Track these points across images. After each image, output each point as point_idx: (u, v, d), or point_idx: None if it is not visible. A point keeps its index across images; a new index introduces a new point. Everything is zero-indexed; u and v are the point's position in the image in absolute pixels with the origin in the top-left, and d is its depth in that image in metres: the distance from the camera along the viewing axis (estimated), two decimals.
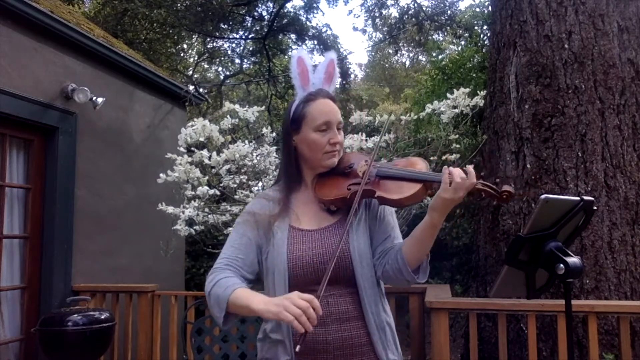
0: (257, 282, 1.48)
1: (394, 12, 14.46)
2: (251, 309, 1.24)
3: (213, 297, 1.33)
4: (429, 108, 3.68)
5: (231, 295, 1.29)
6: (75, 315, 3.38)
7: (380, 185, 1.38)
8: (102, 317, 3.48)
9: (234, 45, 14.04)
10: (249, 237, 1.43)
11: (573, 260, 1.39)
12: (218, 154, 3.44)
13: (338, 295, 1.37)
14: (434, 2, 13.84)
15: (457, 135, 3.70)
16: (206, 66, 16.20)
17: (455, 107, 3.55)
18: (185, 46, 14.99)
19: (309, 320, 1.13)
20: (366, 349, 1.37)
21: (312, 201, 1.47)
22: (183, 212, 3.46)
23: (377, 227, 1.44)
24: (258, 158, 3.61)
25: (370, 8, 14.54)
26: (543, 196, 1.41)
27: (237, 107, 3.66)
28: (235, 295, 1.29)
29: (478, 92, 3.68)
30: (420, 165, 1.41)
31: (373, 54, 22.27)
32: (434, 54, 10.77)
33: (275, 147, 3.67)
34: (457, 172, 1.27)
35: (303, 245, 1.39)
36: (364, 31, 21.71)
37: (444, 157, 3.56)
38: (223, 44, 14.03)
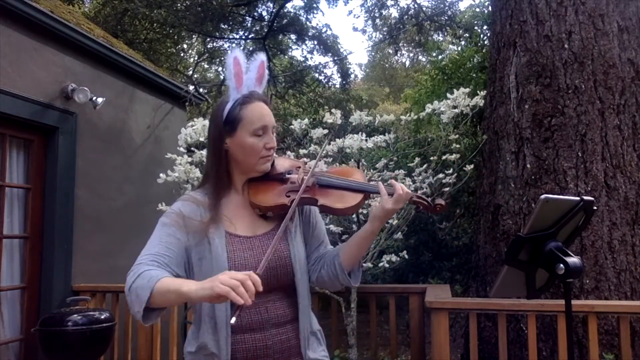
0: None
1: (394, 12, 14.49)
2: (181, 291, 1.12)
3: (134, 290, 1.19)
4: (429, 108, 3.68)
5: (157, 283, 1.16)
6: (75, 315, 3.38)
7: (322, 193, 1.40)
8: (102, 317, 3.48)
9: (234, 45, 14.04)
10: (178, 238, 1.33)
11: (573, 260, 1.39)
12: None
13: (275, 299, 1.38)
14: (434, 2, 13.85)
15: (457, 135, 3.70)
16: (206, 66, 16.21)
17: (455, 107, 3.55)
18: (185, 46, 15.01)
19: (247, 292, 1.06)
20: (295, 352, 1.39)
21: (244, 206, 1.42)
22: None
23: (311, 234, 1.49)
24: None
25: (370, 8, 14.55)
26: (543, 196, 1.41)
27: None
28: (162, 282, 1.17)
29: (478, 92, 3.68)
30: (357, 175, 1.45)
31: (373, 54, 22.29)
32: (434, 54, 10.77)
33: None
34: (397, 185, 1.36)
35: (244, 253, 1.35)
36: (364, 31, 21.74)
37: (444, 157, 3.57)
38: (223, 44, 14.04)
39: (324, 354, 1.47)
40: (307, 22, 13.27)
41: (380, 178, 3.40)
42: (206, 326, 1.34)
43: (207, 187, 1.44)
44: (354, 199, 1.39)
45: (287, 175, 1.44)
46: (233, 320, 1.10)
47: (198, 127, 3.49)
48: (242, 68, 1.41)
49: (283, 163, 1.49)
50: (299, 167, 1.47)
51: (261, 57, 1.47)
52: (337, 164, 3.43)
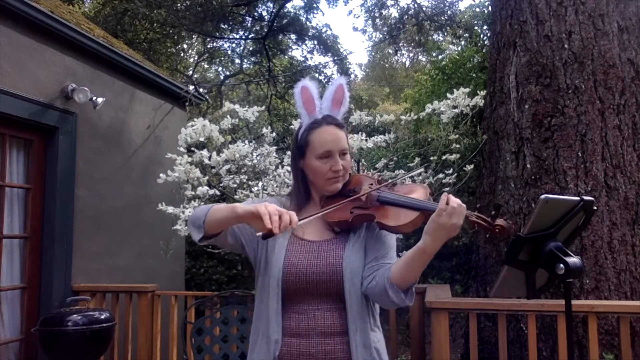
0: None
1: (394, 12, 14.48)
2: (232, 206, 1.32)
3: (193, 215, 1.41)
4: (429, 108, 3.68)
5: (212, 207, 1.36)
6: (75, 315, 3.38)
7: (380, 210, 1.42)
8: (102, 317, 3.48)
9: (234, 45, 14.05)
10: None
11: (573, 260, 1.39)
12: (218, 154, 3.44)
13: (325, 309, 1.39)
14: (434, 2, 13.85)
15: (457, 135, 3.70)
16: (206, 66, 16.21)
17: (455, 107, 3.56)
18: (185, 46, 15.00)
19: (281, 222, 1.21)
20: None
21: (319, 217, 1.49)
22: (183, 212, 3.46)
23: (372, 245, 1.47)
24: (258, 158, 3.61)
25: (370, 8, 14.54)
26: (543, 196, 1.41)
27: (237, 107, 3.66)
28: (217, 206, 1.36)
29: (478, 92, 3.68)
30: (419, 193, 1.44)
31: (373, 54, 22.28)
32: (434, 54, 10.76)
33: (275, 147, 3.67)
34: (454, 199, 1.29)
35: (300, 254, 1.42)
36: (364, 31, 21.70)
37: (444, 157, 3.57)
38: (223, 44, 14.05)
39: None
40: (307, 22, 13.28)
41: (380, 177, 3.40)
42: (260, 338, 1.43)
43: (291, 199, 1.58)
44: (407, 216, 1.37)
45: (353, 192, 1.49)
46: (258, 234, 1.24)
47: (198, 127, 3.49)
48: (313, 95, 1.50)
49: (358, 180, 1.54)
50: (372, 184, 1.50)
51: (340, 80, 1.55)
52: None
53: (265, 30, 12.46)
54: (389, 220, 1.39)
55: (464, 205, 1.29)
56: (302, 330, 1.38)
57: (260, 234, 1.23)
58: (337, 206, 1.42)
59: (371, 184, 1.50)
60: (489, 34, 7.56)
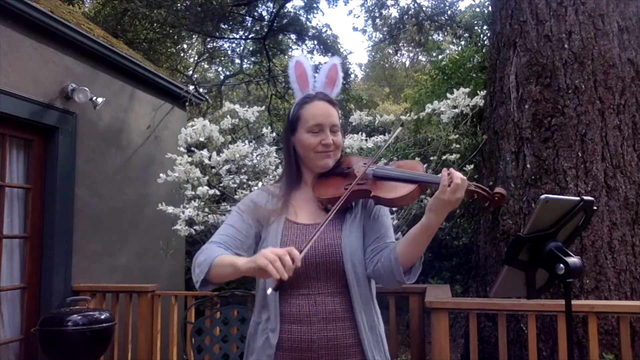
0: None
1: (394, 12, 14.48)
2: (234, 264, 1.26)
3: (198, 261, 1.36)
4: (429, 108, 3.68)
5: (216, 257, 1.31)
6: (75, 315, 3.38)
7: (376, 185, 1.42)
8: (102, 317, 3.48)
9: (234, 45, 14.05)
10: (250, 224, 1.46)
11: (573, 260, 1.39)
12: (218, 154, 3.44)
13: (326, 294, 1.38)
14: (434, 2, 13.85)
15: (457, 135, 3.71)
16: (206, 66, 16.21)
17: (455, 107, 3.56)
18: (185, 46, 14.99)
19: (284, 267, 1.12)
20: (353, 350, 1.36)
21: (312, 199, 1.49)
22: (183, 212, 3.46)
23: (371, 226, 1.46)
24: (258, 158, 3.62)
25: (370, 8, 14.55)
26: (543, 196, 1.41)
27: (237, 107, 3.66)
28: (221, 257, 1.32)
29: (478, 92, 3.68)
30: (417, 168, 1.44)
31: (373, 54, 22.28)
32: (434, 54, 10.76)
33: (275, 147, 3.68)
34: (457, 173, 1.28)
35: (296, 238, 1.41)
36: (364, 31, 21.73)
37: (444, 157, 3.57)
38: (223, 44, 14.04)
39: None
40: (307, 22, 13.27)
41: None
42: (264, 315, 1.42)
43: (281, 181, 1.57)
44: (405, 189, 1.36)
45: (347, 170, 1.49)
46: (269, 291, 1.20)
47: (198, 127, 3.49)
48: (306, 70, 1.52)
49: (351, 160, 1.54)
50: (365, 163, 1.50)
51: (334, 60, 1.55)
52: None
53: (265, 30, 12.45)
54: (386, 193, 1.38)
55: (465, 177, 1.30)
56: (303, 316, 1.36)
57: (270, 290, 1.20)
58: (354, 187, 1.40)
59: (364, 163, 1.49)
60: (489, 34, 7.56)
